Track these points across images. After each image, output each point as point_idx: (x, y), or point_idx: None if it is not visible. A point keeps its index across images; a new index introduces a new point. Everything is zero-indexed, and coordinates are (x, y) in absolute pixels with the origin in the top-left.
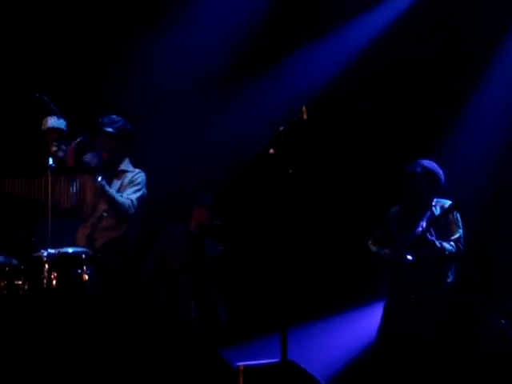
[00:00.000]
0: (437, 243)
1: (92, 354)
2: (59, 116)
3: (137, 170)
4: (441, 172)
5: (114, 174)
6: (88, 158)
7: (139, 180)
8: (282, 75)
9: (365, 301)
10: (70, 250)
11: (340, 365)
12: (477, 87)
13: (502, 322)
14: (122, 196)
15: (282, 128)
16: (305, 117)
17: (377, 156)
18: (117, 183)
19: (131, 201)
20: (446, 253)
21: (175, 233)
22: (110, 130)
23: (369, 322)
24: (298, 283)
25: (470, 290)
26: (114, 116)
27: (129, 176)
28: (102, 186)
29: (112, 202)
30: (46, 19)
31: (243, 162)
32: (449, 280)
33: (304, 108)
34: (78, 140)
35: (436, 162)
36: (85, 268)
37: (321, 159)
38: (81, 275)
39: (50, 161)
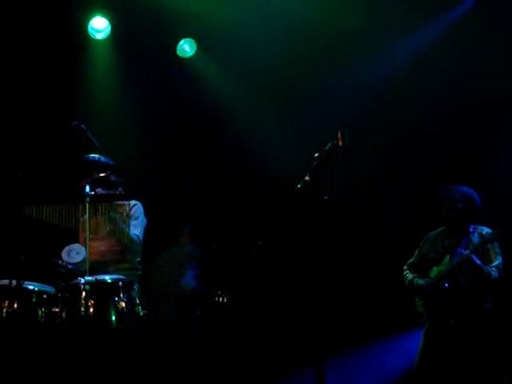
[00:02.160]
0: (484, 267)
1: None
2: (95, 143)
3: (133, 202)
4: (478, 198)
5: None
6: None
7: (138, 212)
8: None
9: (405, 327)
10: (107, 278)
11: None
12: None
13: None
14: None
15: (317, 154)
16: (340, 143)
17: (413, 182)
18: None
19: (137, 236)
20: (492, 277)
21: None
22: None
23: (407, 349)
24: (334, 312)
25: (506, 317)
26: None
27: (126, 208)
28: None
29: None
30: None
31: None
32: (486, 306)
33: (340, 134)
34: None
35: (473, 189)
36: (122, 295)
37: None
38: (118, 302)
39: (87, 188)
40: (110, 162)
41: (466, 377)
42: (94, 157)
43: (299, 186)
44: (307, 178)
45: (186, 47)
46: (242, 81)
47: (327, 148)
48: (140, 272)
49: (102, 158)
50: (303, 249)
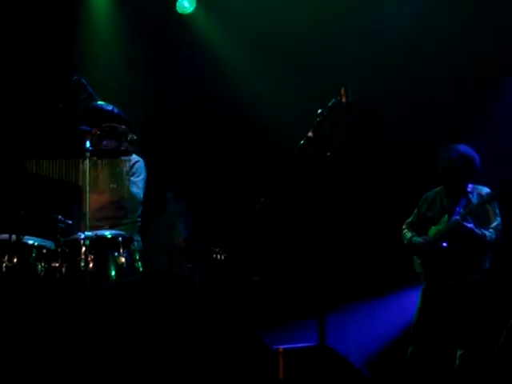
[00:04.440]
0: (476, 230)
1: (133, 335)
2: (95, 98)
3: (135, 158)
4: (477, 157)
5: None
6: (106, 143)
7: (140, 169)
8: None
9: (403, 286)
10: (107, 233)
11: (376, 348)
12: None
13: None
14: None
15: (320, 111)
16: (343, 99)
17: (413, 141)
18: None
19: (138, 193)
20: (488, 239)
21: None
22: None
23: (406, 306)
24: (337, 269)
25: (505, 276)
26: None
27: (128, 165)
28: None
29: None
30: None
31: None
32: (485, 266)
33: (343, 90)
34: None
35: (472, 148)
36: (121, 251)
37: (356, 143)
38: (118, 258)
39: (88, 144)
40: (120, 113)
41: (464, 336)
42: (108, 106)
43: (302, 141)
44: (310, 134)
45: (186, 3)
46: (243, 39)
47: (330, 104)
48: (139, 223)
49: (116, 109)
50: (305, 205)
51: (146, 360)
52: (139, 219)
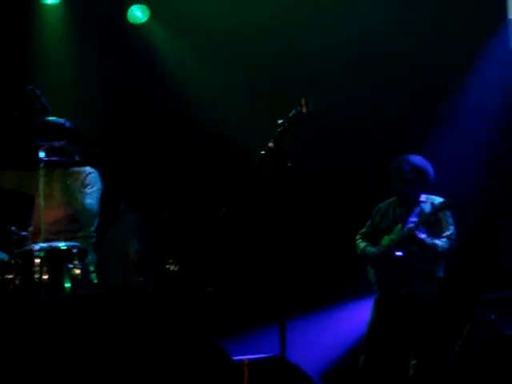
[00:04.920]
0: (427, 240)
1: (87, 350)
2: (48, 109)
3: (88, 170)
4: (430, 167)
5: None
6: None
7: (94, 180)
8: None
9: (357, 295)
10: (61, 244)
11: (330, 358)
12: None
13: (491, 316)
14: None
15: (281, 121)
16: (304, 109)
17: (366, 151)
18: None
19: (91, 205)
20: (439, 249)
21: None
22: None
23: (360, 316)
24: (296, 277)
25: (459, 285)
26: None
27: (82, 176)
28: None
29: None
30: None
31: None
32: (439, 275)
33: (303, 100)
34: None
35: (424, 158)
36: (76, 262)
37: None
38: (72, 269)
39: (42, 154)
40: (72, 127)
41: (417, 345)
42: (60, 120)
43: (263, 152)
44: (271, 144)
45: (138, 13)
46: (201, 48)
47: (291, 114)
48: (94, 239)
49: (67, 123)
50: (266, 216)
51: (104, 372)
52: (94, 234)
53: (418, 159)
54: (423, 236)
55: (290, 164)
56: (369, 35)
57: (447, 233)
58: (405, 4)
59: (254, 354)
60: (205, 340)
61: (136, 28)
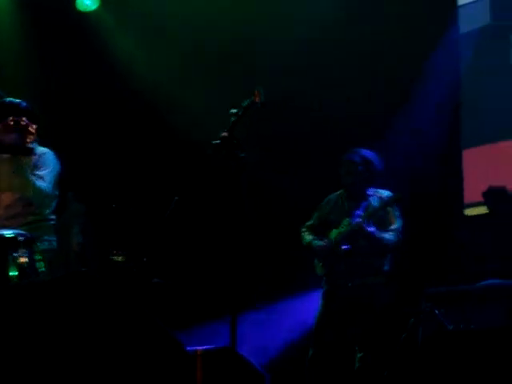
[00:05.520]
0: (376, 234)
1: (43, 336)
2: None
3: (41, 150)
4: (378, 161)
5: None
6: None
7: (48, 161)
8: None
9: (305, 288)
10: (8, 232)
11: (279, 350)
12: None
13: (436, 311)
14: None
15: (234, 111)
16: (257, 100)
17: (316, 144)
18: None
19: (44, 187)
20: (385, 242)
21: None
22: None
23: (308, 309)
24: (246, 270)
25: (405, 279)
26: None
27: (33, 158)
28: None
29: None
30: None
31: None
32: (385, 268)
33: (257, 91)
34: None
35: (374, 152)
36: (22, 250)
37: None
38: (18, 258)
39: None
40: (28, 107)
41: (363, 339)
42: (15, 100)
43: (216, 141)
44: (225, 134)
45: (87, 1)
46: (152, 37)
47: (244, 104)
48: (53, 222)
49: (23, 103)
50: (217, 206)
51: (59, 360)
52: (52, 217)
53: (368, 153)
54: (372, 229)
55: (242, 154)
56: (319, 23)
57: (394, 226)
58: None
59: (202, 345)
60: (158, 329)
61: (85, 16)
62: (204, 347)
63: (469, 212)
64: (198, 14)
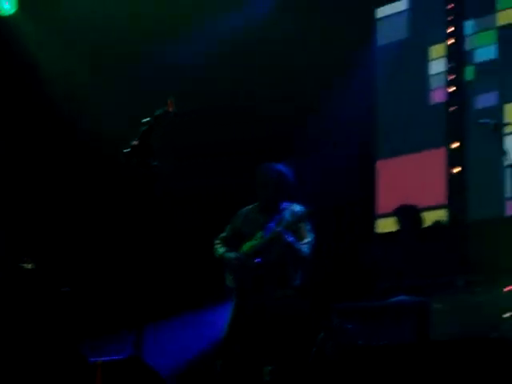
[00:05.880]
0: (296, 244)
1: None
2: None
3: None
4: (291, 176)
5: None
6: None
7: None
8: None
9: (216, 300)
10: None
11: (188, 362)
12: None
13: (346, 326)
14: None
15: (146, 119)
16: (170, 109)
17: (231, 154)
18: None
19: None
20: (302, 254)
21: None
22: None
23: (218, 321)
24: (157, 281)
25: (316, 293)
26: None
27: None
28: None
29: None
30: None
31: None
32: (296, 282)
33: (169, 101)
34: None
35: (288, 167)
36: None
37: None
38: None
39: None
40: None
41: (273, 352)
42: None
43: (127, 150)
44: (135, 142)
45: (6, 3)
46: (69, 42)
47: (157, 113)
48: None
49: None
50: (129, 215)
51: None
52: None
53: (281, 167)
54: (292, 239)
55: (155, 163)
56: (230, 36)
57: (307, 239)
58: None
59: (109, 355)
60: (60, 338)
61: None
62: (107, 358)
63: (382, 222)
64: (112, 22)
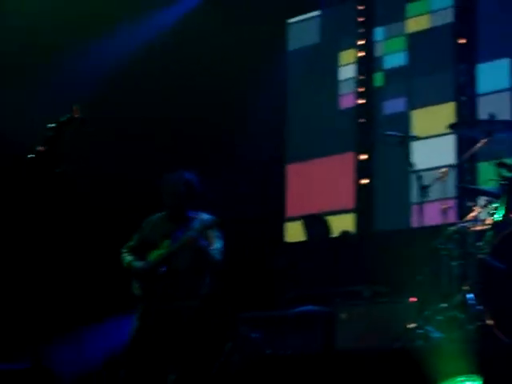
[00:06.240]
0: (208, 249)
1: None
2: None
3: None
4: (200, 185)
5: None
6: None
7: None
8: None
9: (122, 309)
10: None
11: (92, 371)
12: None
13: (252, 335)
14: None
15: (51, 125)
16: (76, 115)
17: (141, 163)
18: None
19: None
20: (214, 260)
21: None
22: None
23: (124, 329)
24: (61, 290)
25: (222, 303)
26: None
27: None
28: None
29: None
30: None
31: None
32: (202, 291)
33: (75, 107)
34: None
35: (195, 175)
36: None
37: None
38: None
39: None
40: None
41: (178, 361)
42: None
43: (31, 156)
44: (40, 148)
45: None
46: None
47: (62, 119)
48: None
49: None
50: (31, 222)
51: None
52: None
53: (189, 175)
54: (205, 243)
55: (61, 169)
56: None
57: (216, 246)
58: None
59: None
60: None
61: None
62: (3, 366)
63: (291, 226)
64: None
